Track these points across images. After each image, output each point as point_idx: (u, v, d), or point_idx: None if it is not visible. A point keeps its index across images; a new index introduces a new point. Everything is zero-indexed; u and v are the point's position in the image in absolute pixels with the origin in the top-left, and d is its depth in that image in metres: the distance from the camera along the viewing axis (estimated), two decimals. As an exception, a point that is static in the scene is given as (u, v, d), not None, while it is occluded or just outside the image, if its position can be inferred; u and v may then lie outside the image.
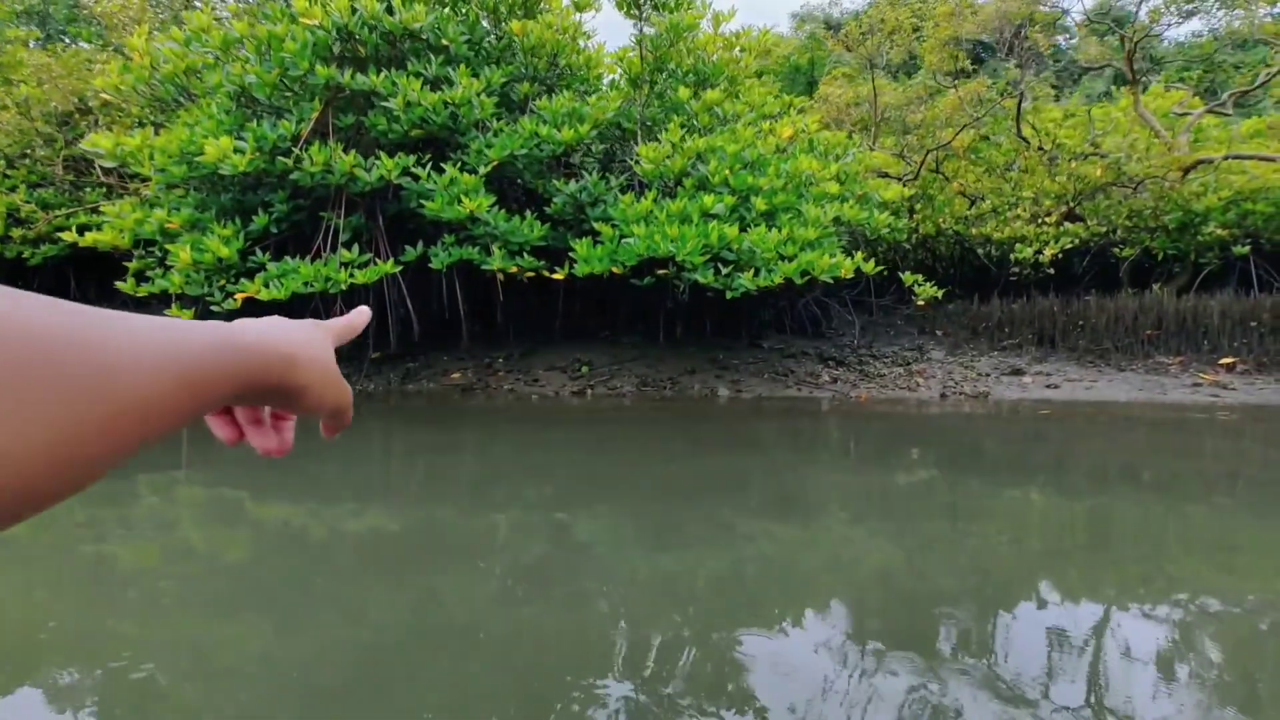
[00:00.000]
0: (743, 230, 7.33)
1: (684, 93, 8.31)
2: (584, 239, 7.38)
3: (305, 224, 7.92)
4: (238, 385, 0.35)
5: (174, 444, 4.93)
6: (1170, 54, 22.62)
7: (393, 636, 2.47)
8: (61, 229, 8.42)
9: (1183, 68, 19.93)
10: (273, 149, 7.12)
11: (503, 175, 8.10)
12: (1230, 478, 4.82)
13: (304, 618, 2.64)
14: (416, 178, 7.30)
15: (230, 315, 7.59)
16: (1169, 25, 10.92)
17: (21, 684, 2.16)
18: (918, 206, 11.09)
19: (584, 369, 8.61)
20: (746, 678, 2.16)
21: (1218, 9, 12.21)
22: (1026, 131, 10.94)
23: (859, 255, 7.31)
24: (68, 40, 13.43)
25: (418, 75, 7.53)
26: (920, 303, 9.04)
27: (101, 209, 7.72)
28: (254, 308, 7.65)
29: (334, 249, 7.56)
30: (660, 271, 7.39)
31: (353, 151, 7.22)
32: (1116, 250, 10.04)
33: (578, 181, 7.92)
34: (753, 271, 7.07)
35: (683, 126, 8.14)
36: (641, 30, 8.78)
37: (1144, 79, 17.48)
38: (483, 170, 7.38)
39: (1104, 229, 10.02)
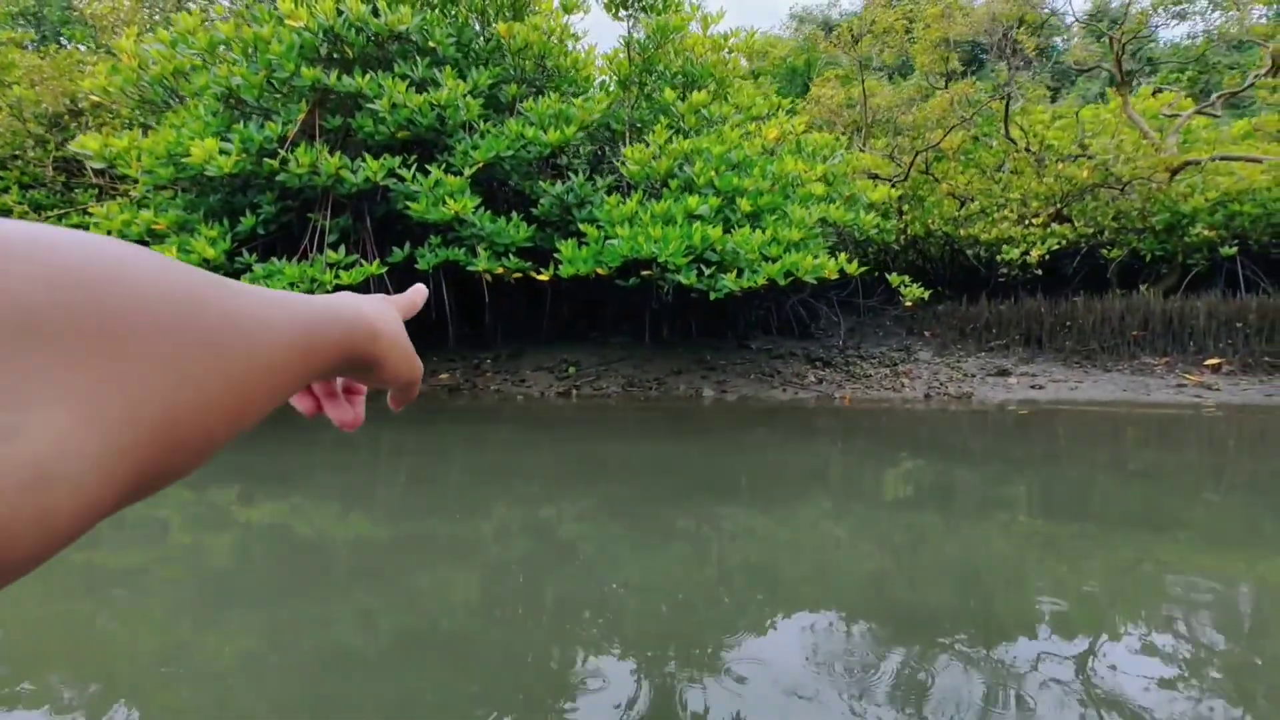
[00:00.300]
0: (727, 231, 7.37)
1: (670, 95, 8.35)
2: (570, 240, 7.42)
3: (293, 225, 7.96)
4: (341, 352, 0.35)
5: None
6: (1165, 55, 22.66)
7: (378, 638, 2.49)
8: (52, 230, 8.45)
9: (1178, 68, 19.96)
10: (259, 150, 7.15)
11: (491, 176, 8.14)
12: (1205, 474, 4.85)
13: (289, 620, 2.66)
14: (402, 179, 7.34)
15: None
16: (1158, 26, 10.94)
17: (9, 687, 2.18)
18: (906, 208, 11.11)
19: (571, 370, 8.64)
20: (734, 679, 2.17)
21: (1211, 11, 12.24)
22: (1015, 133, 10.97)
23: (842, 256, 7.33)
24: (64, 42, 13.49)
25: (404, 77, 7.57)
26: (908, 303, 9.06)
27: (89, 210, 7.74)
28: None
29: (321, 250, 7.60)
30: (644, 273, 7.42)
31: (339, 153, 7.26)
32: (1105, 251, 10.06)
33: (564, 183, 7.96)
34: (736, 272, 7.10)
35: (669, 128, 8.18)
36: (629, 32, 8.83)
37: (1137, 80, 17.51)
38: (468, 172, 7.42)
39: (1091, 230, 10.05)
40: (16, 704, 2.07)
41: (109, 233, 7.34)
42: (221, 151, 6.87)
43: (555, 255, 7.44)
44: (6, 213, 9.94)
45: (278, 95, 7.56)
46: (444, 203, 7.18)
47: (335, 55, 7.67)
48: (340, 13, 7.20)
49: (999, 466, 5.25)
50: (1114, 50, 10.39)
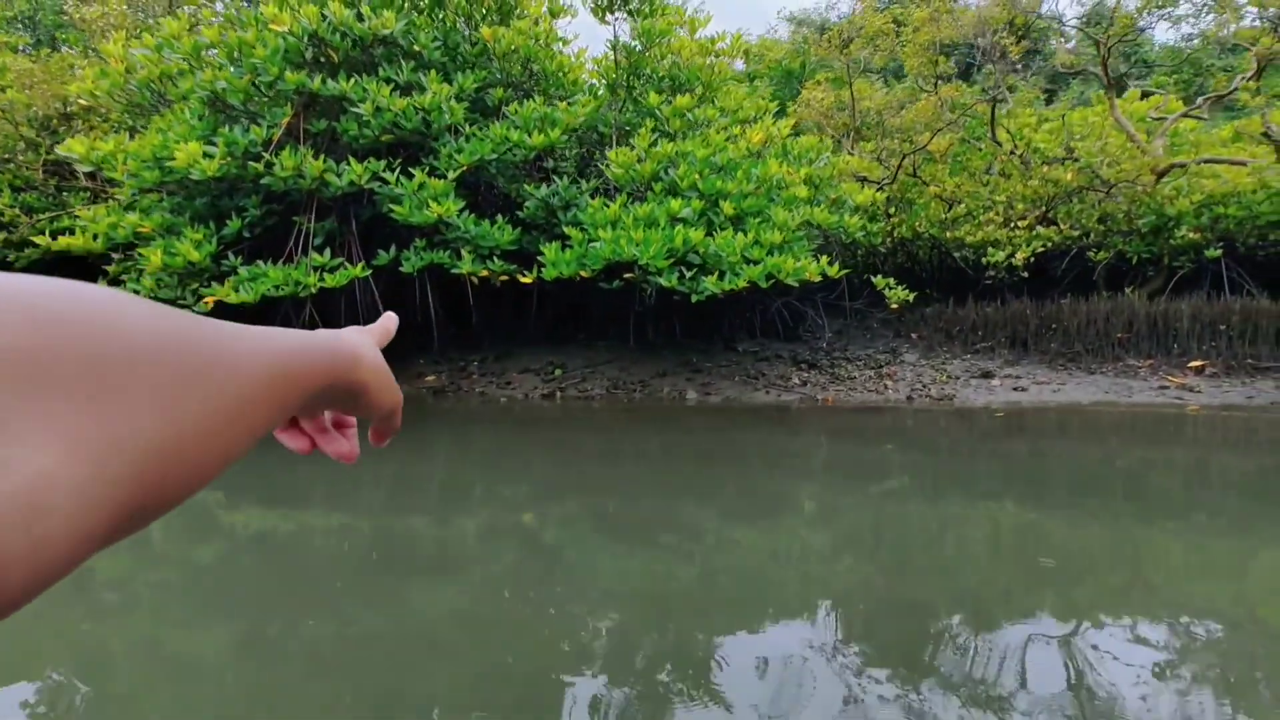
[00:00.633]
0: (710, 234, 7.40)
1: (654, 98, 8.38)
2: (554, 243, 7.46)
3: (279, 228, 8.00)
4: (324, 381, 0.36)
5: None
6: (1160, 57, 22.68)
7: (361, 642, 2.50)
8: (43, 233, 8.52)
9: (1172, 71, 19.99)
10: (244, 154, 7.20)
11: (477, 179, 8.18)
12: (1174, 471, 4.87)
13: (272, 622, 2.67)
14: (386, 182, 7.38)
15: (202, 318, 7.69)
16: (1145, 29, 10.96)
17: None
18: (893, 210, 11.15)
19: (557, 372, 8.68)
20: (717, 681, 2.19)
21: (1206, 14, 12.27)
22: (1001, 136, 11.00)
23: (824, 259, 7.37)
24: (61, 46, 13.56)
25: (389, 81, 7.61)
26: (893, 305, 9.08)
27: (76, 213, 7.79)
28: (225, 312, 7.74)
29: (307, 253, 7.64)
30: (627, 275, 7.45)
31: (323, 156, 7.30)
32: (1091, 254, 10.08)
33: (550, 186, 8.00)
34: (718, 275, 7.13)
35: (655, 131, 8.22)
36: (615, 35, 8.87)
37: (1130, 83, 17.53)
38: (452, 175, 7.46)
39: (1077, 233, 10.07)
40: (8, 707, 2.09)
41: (95, 236, 7.39)
42: (205, 155, 6.92)
43: (539, 258, 7.48)
44: (-2, 215, 10.00)
45: (264, 99, 7.60)
46: (427, 206, 7.22)
47: (320, 59, 7.71)
48: (324, 17, 7.25)
49: (966, 464, 5.28)
50: (1100, 53, 10.42)
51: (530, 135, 7.65)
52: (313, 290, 7.17)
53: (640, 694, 2.12)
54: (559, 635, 2.55)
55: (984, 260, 9.85)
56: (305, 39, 7.32)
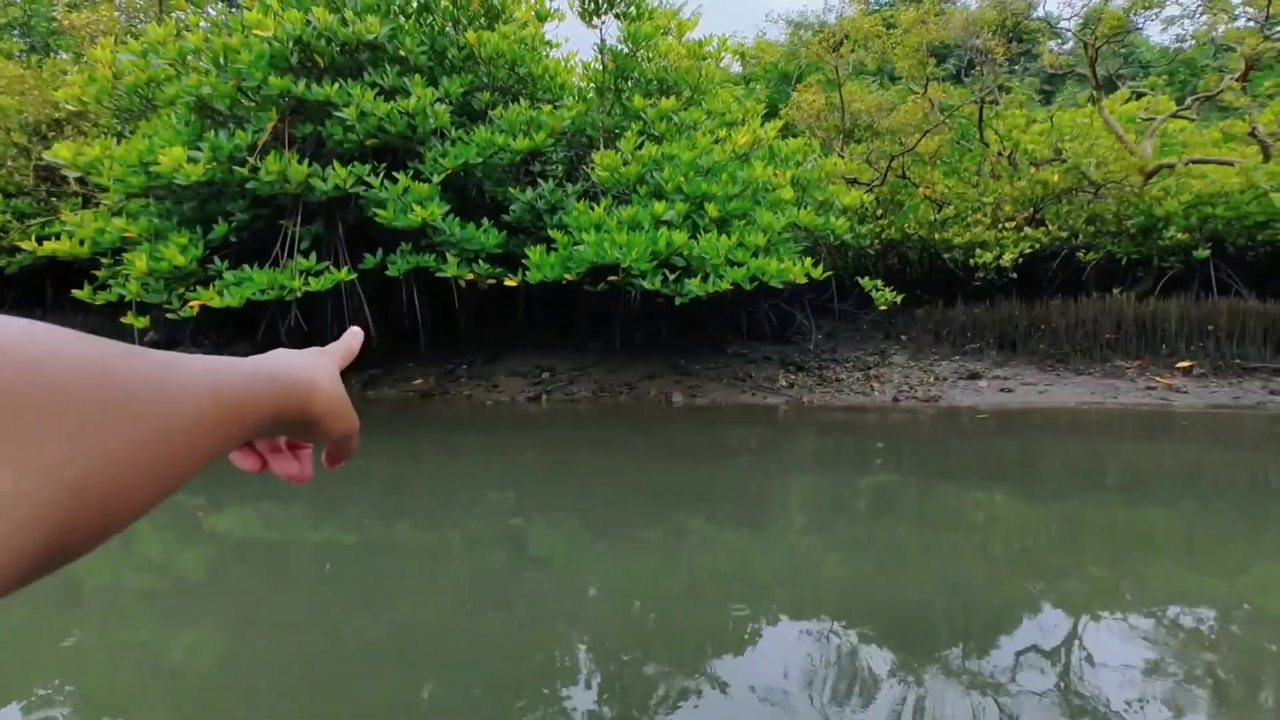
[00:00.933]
0: (695, 237, 7.41)
1: (639, 101, 8.40)
2: (539, 246, 7.47)
3: (265, 232, 8.02)
4: (271, 412, 0.36)
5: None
6: (1155, 58, 22.69)
7: (348, 645, 2.50)
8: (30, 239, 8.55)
9: (1166, 71, 20.00)
10: (230, 158, 7.22)
11: (463, 183, 8.20)
12: (1155, 473, 4.87)
13: (259, 629, 2.66)
14: (371, 186, 7.40)
15: (186, 323, 7.70)
16: (1135, 29, 10.96)
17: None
18: (882, 212, 11.15)
19: (545, 375, 8.68)
20: (706, 685, 2.20)
21: (1200, 14, 12.26)
22: (989, 137, 11.01)
23: (808, 261, 7.37)
24: (55, 53, 13.61)
25: (374, 85, 7.63)
26: (881, 307, 9.08)
27: (63, 218, 7.81)
28: (211, 315, 7.76)
29: (293, 257, 7.65)
30: (611, 278, 7.46)
31: (308, 161, 7.33)
32: (1080, 255, 10.08)
33: (535, 189, 8.02)
34: (701, 277, 7.14)
35: (641, 134, 8.23)
36: (603, 39, 8.90)
37: (1124, 84, 17.52)
38: (437, 179, 7.47)
39: (1066, 234, 10.07)
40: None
41: (81, 241, 7.41)
42: (191, 160, 6.94)
43: (524, 261, 7.49)
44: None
45: (249, 104, 7.63)
46: (412, 210, 7.23)
47: (306, 64, 7.74)
48: (309, 23, 7.27)
49: (939, 464, 5.28)
50: (1088, 54, 10.43)
51: (516, 139, 7.67)
52: (298, 294, 7.18)
53: (634, 696, 2.12)
54: (546, 640, 2.55)
55: (973, 262, 9.85)
56: (290, 44, 7.34)
